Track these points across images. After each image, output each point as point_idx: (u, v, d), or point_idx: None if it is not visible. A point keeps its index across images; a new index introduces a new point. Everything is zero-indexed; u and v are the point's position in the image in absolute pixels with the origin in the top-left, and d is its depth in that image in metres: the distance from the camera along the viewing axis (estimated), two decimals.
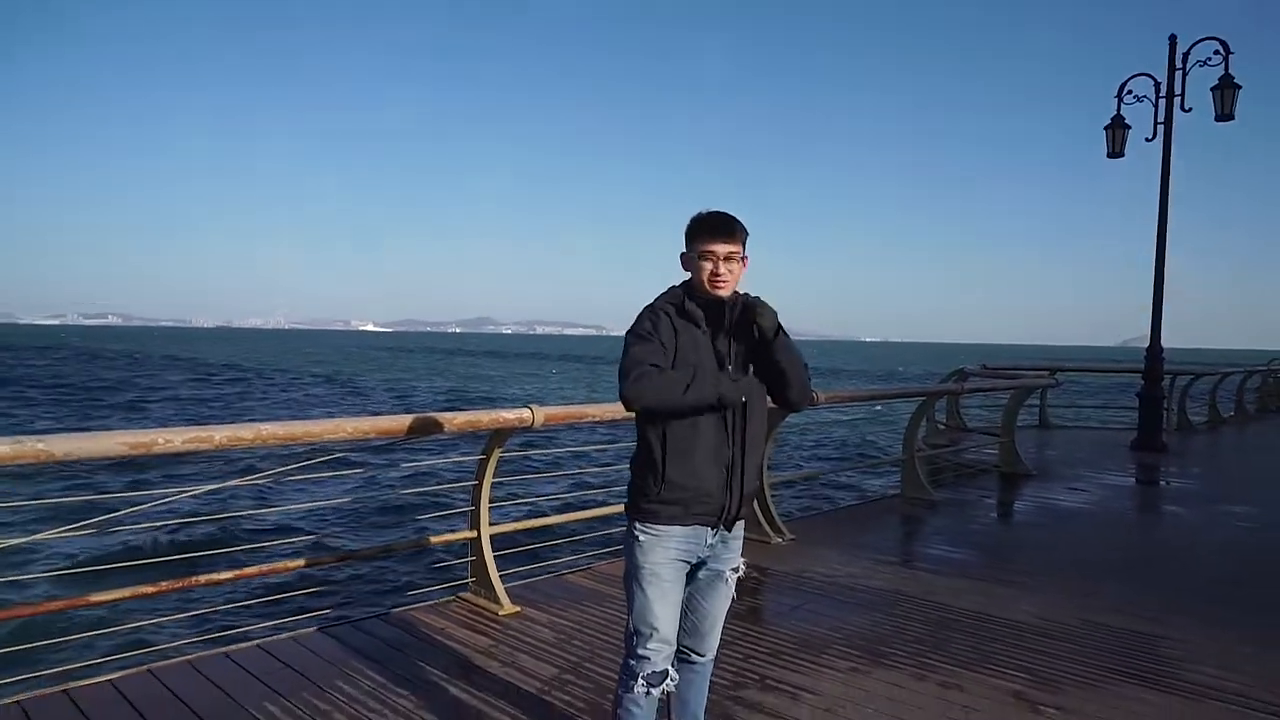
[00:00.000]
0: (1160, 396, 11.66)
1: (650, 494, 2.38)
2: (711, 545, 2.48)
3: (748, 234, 2.43)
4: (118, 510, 3.63)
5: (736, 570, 2.56)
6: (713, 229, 2.37)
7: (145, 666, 3.55)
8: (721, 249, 2.36)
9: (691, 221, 2.41)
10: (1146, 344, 11.54)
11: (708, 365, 2.36)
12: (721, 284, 2.37)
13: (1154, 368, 11.36)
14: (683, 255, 2.43)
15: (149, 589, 3.69)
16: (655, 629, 2.42)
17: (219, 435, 3.21)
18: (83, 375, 42.89)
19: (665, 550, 2.41)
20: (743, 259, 2.41)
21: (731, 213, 2.42)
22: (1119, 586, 4.98)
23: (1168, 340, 11.45)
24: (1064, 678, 3.59)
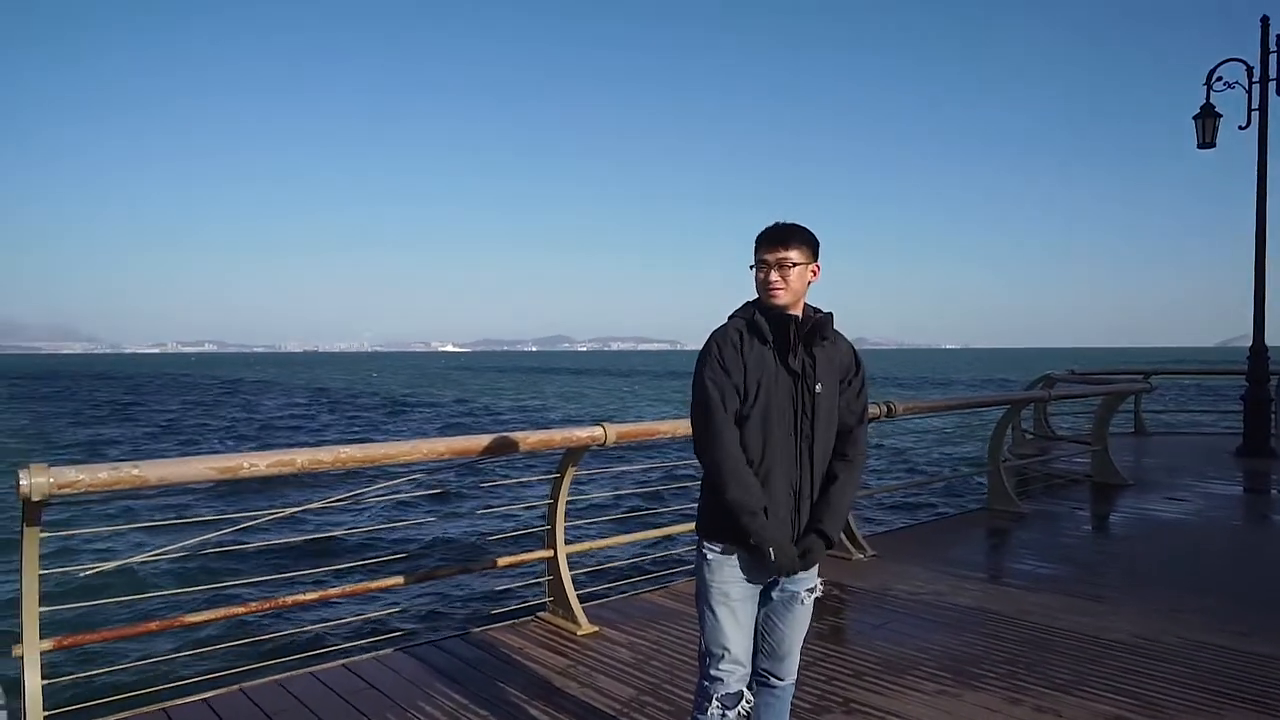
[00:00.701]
0: (1267, 398, 10.99)
1: (717, 513, 2.35)
2: None
3: (813, 243, 2.41)
4: (207, 535, 3.77)
5: (813, 590, 2.50)
6: (765, 238, 2.39)
7: (237, 686, 3.66)
8: (772, 256, 2.36)
9: (758, 237, 2.45)
10: (1248, 343, 10.93)
11: (778, 386, 2.35)
12: (775, 291, 2.36)
13: (1258, 367, 10.72)
14: (751, 268, 2.45)
15: (240, 610, 3.81)
16: (726, 649, 2.38)
17: (300, 459, 3.30)
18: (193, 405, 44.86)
19: (734, 569, 2.38)
20: (807, 267, 2.39)
21: (798, 223, 2.43)
22: (1224, 604, 4.69)
23: (1272, 338, 10.81)
24: (1168, 701, 3.39)
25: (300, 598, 4.03)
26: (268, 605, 3.87)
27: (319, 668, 3.89)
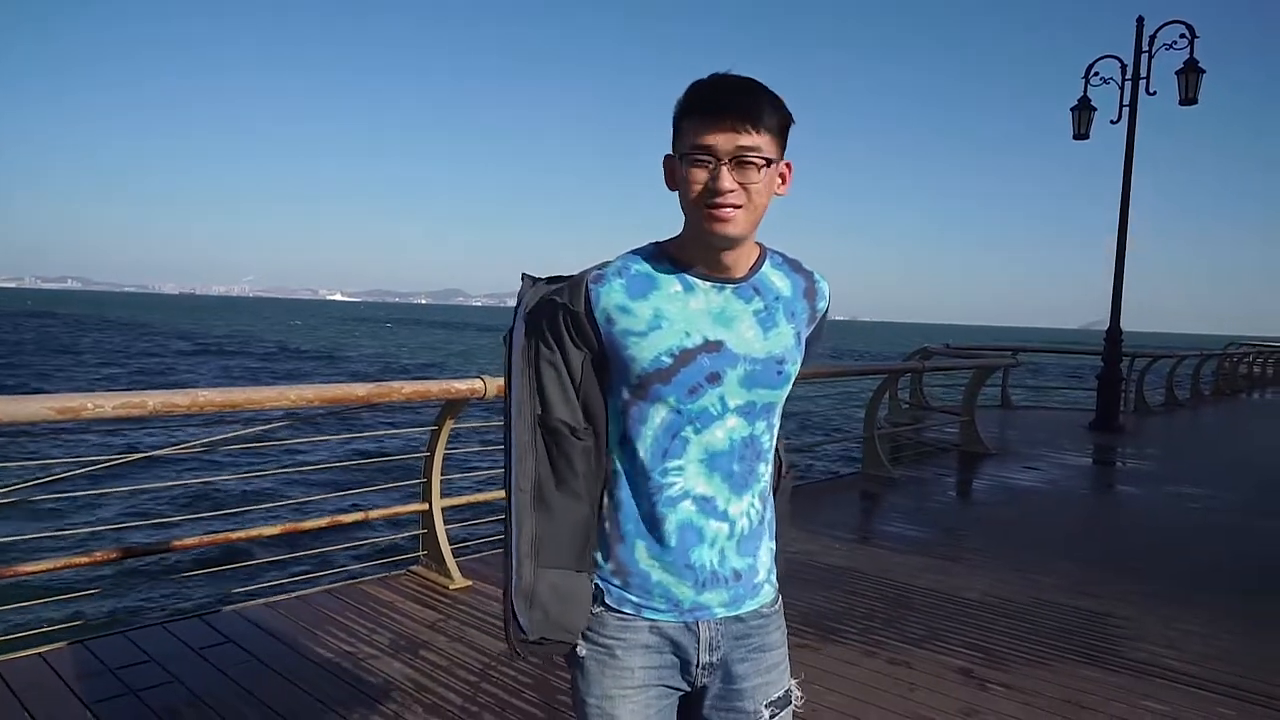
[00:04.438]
0: (1118, 379, 11.83)
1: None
2: None
3: (786, 119, 1.30)
4: (41, 478, 3.50)
5: (783, 703, 1.52)
6: (709, 105, 1.26)
7: (80, 639, 3.44)
8: (723, 141, 1.25)
9: (684, 94, 1.30)
10: (1106, 326, 11.69)
11: None
12: (724, 214, 1.26)
13: (1112, 350, 11.50)
14: (666, 160, 1.34)
15: (83, 559, 3.56)
16: None
17: (152, 401, 3.09)
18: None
19: (625, 667, 1.50)
20: (777, 168, 1.30)
21: (761, 82, 1.29)
22: (1070, 565, 5.02)
23: (1130, 324, 11.60)
24: (1012, 655, 3.60)
25: (152, 547, 3.81)
26: (113, 555, 3.64)
27: (172, 622, 3.70)
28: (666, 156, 1.34)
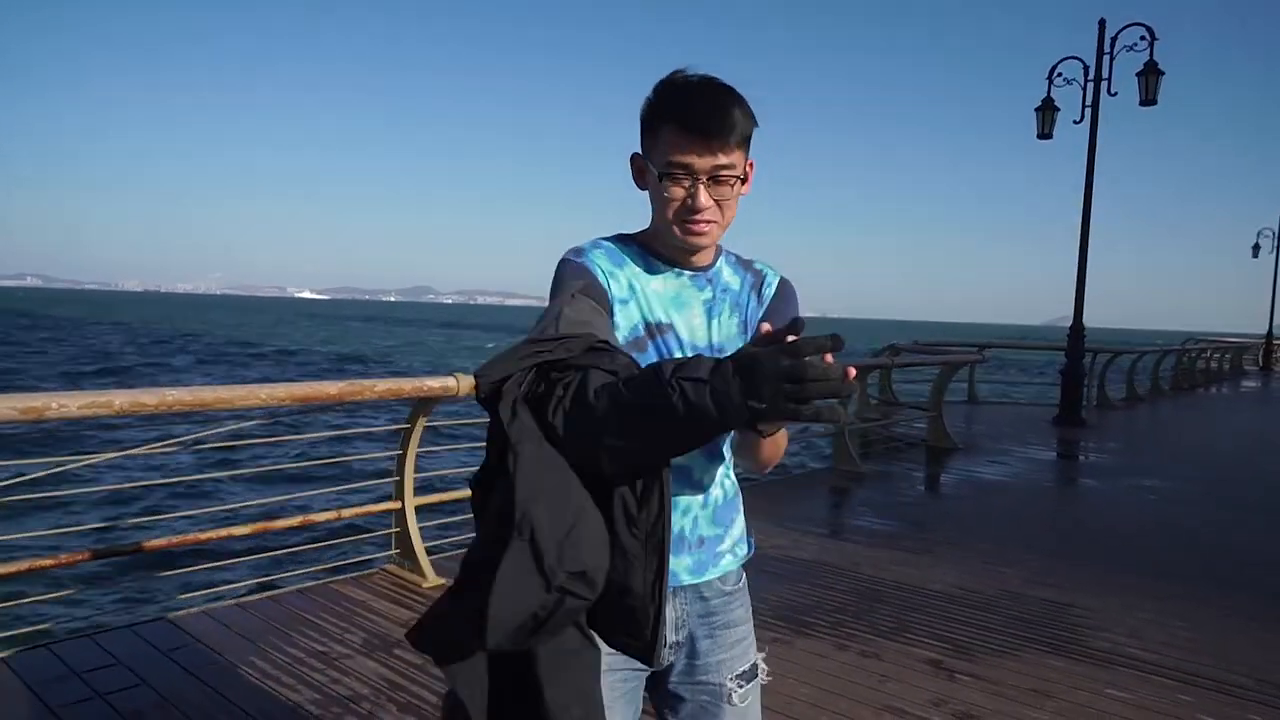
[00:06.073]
0: (1081, 374, 12.05)
1: None
2: None
3: (752, 125, 1.31)
4: (3, 480, 3.43)
5: (750, 676, 1.56)
6: (688, 120, 1.26)
7: (45, 644, 3.39)
8: (702, 161, 1.27)
9: (655, 97, 1.30)
10: (1069, 322, 11.90)
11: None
12: (700, 228, 1.31)
13: (1075, 345, 11.71)
14: (635, 159, 1.36)
15: (48, 561, 3.50)
16: None
17: (119, 400, 3.04)
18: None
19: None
20: (742, 179, 1.33)
21: (733, 88, 1.30)
22: (1035, 557, 5.12)
23: (1095, 320, 11.81)
24: (979, 646, 3.67)
25: (120, 547, 3.76)
26: (79, 558, 3.59)
27: (140, 622, 3.65)
28: (635, 156, 1.36)
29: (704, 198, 1.28)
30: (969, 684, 3.29)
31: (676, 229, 1.32)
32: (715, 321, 1.41)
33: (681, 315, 1.38)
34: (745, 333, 1.44)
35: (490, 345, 59.54)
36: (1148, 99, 10.92)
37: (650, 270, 1.38)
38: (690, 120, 1.26)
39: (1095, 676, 3.39)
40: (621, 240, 1.41)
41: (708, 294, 1.41)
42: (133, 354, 36.70)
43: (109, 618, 3.76)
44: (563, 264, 1.36)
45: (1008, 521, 6.19)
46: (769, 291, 1.47)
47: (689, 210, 1.29)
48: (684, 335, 1.38)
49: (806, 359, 0.92)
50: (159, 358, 35.03)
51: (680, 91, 1.28)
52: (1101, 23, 11.15)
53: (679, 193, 1.29)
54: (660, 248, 1.38)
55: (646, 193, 1.36)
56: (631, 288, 1.36)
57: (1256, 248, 27.23)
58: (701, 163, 1.27)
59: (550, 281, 1.37)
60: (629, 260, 1.38)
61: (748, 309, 1.45)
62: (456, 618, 1.06)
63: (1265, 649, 3.75)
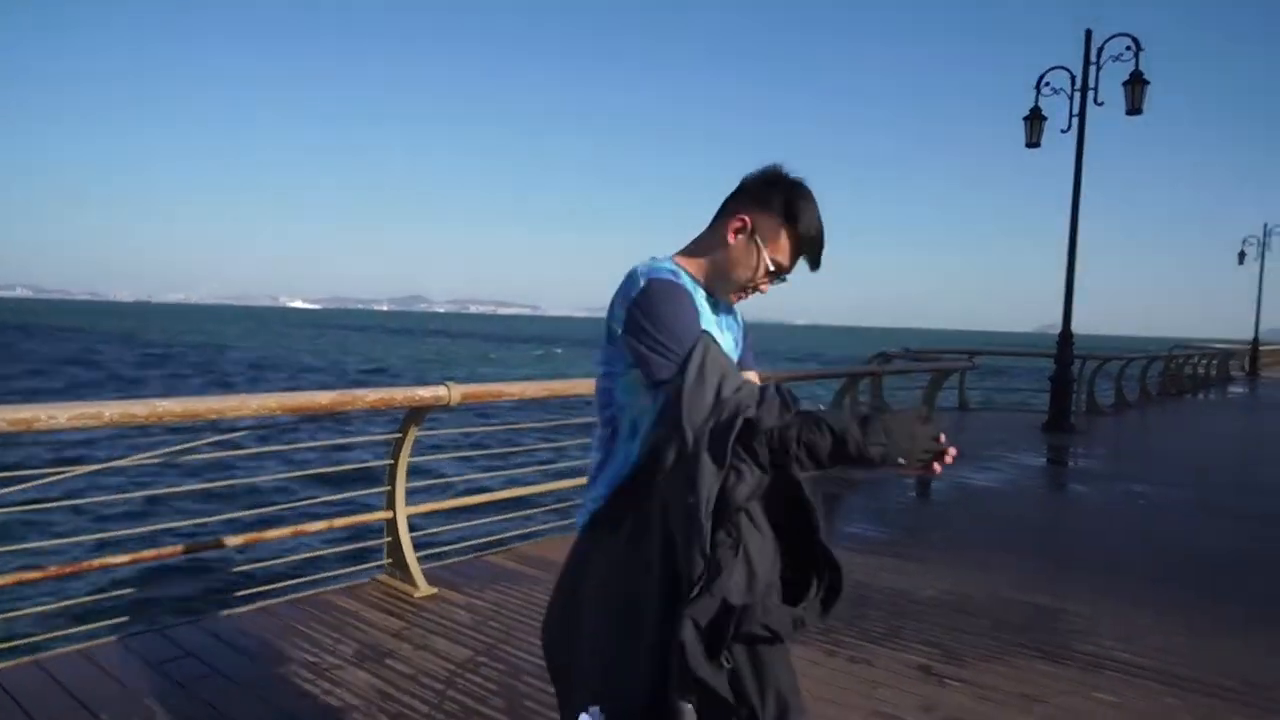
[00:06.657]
0: (1070, 380, 12.12)
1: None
2: None
3: None
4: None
5: None
6: (812, 249, 1.76)
7: (33, 657, 3.38)
8: (790, 268, 1.79)
9: (799, 204, 1.72)
10: (1059, 329, 11.96)
11: None
12: (747, 296, 1.85)
13: (1064, 352, 11.78)
14: (739, 218, 1.74)
15: (35, 574, 3.50)
16: None
17: (109, 412, 3.03)
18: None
19: None
20: None
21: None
22: (1025, 562, 5.15)
23: (1084, 327, 11.88)
24: (969, 652, 3.69)
25: (110, 560, 3.74)
26: (75, 568, 3.58)
27: (131, 637, 3.64)
28: (741, 216, 1.73)
29: (766, 286, 1.80)
30: (958, 689, 3.31)
31: (738, 290, 1.79)
32: (736, 346, 1.86)
33: (721, 337, 1.75)
34: (735, 349, 1.86)
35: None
36: (1134, 108, 11.02)
37: (705, 298, 1.77)
38: (813, 261, 1.77)
39: (1083, 681, 3.41)
40: (682, 267, 1.75)
41: (732, 325, 1.87)
42: (130, 366, 36.53)
43: (98, 631, 3.74)
44: (664, 283, 1.66)
45: (997, 528, 6.22)
46: (742, 323, 1.93)
47: (755, 288, 1.79)
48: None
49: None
50: (173, 369, 34.87)
51: (820, 233, 1.74)
52: (1088, 33, 11.26)
53: (765, 277, 1.77)
54: (707, 283, 1.78)
55: (714, 228, 1.77)
56: (699, 309, 1.71)
57: (1242, 255, 27.49)
58: (790, 268, 1.78)
59: (623, 285, 1.69)
60: (696, 288, 1.75)
61: (742, 343, 1.91)
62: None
63: (1252, 653, 3.78)
